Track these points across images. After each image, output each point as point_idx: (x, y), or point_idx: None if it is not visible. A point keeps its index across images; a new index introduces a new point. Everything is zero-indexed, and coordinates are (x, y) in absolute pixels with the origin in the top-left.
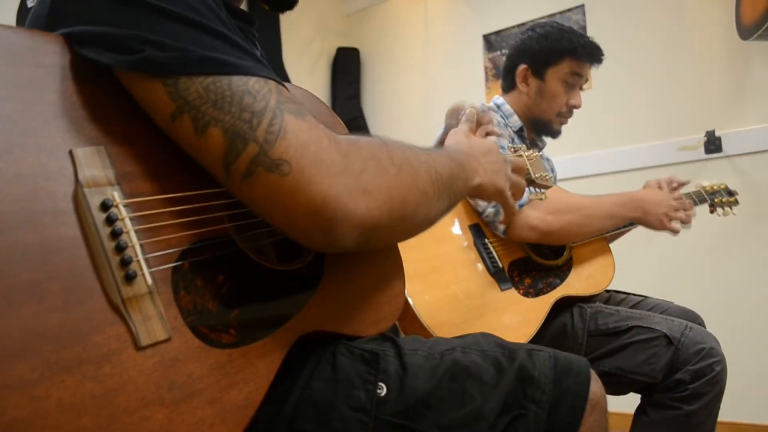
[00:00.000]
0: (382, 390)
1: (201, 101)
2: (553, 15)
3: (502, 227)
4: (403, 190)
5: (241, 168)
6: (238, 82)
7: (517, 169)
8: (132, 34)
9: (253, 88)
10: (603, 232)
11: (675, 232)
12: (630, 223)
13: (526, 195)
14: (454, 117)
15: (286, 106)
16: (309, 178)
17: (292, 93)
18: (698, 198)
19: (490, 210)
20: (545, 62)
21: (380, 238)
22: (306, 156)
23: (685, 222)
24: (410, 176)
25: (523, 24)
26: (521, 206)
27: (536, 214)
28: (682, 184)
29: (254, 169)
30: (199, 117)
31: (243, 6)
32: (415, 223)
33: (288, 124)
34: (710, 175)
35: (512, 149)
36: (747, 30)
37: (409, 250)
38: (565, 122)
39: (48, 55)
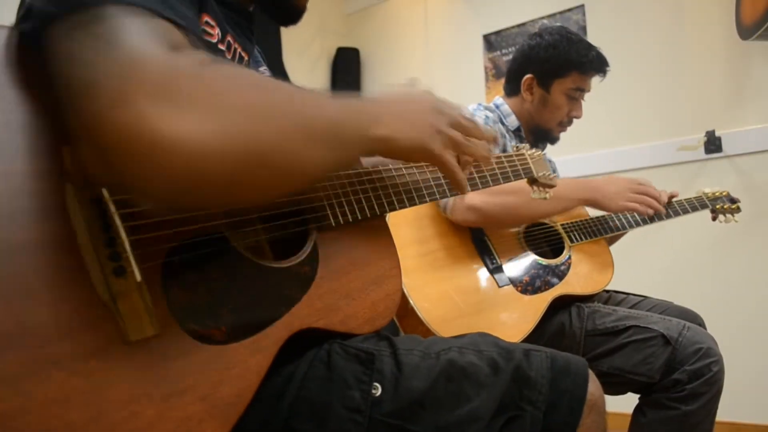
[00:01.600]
0: (377, 390)
1: (67, 37)
2: (553, 15)
3: (448, 208)
4: (250, 126)
5: (86, 107)
6: (111, 19)
7: (460, 126)
8: None
9: (123, 23)
10: (550, 215)
11: (641, 212)
12: (626, 226)
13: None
14: None
15: (151, 33)
16: (140, 116)
17: None
18: (699, 204)
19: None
20: (552, 74)
21: (215, 186)
22: (139, 88)
23: (645, 204)
24: (265, 113)
25: (523, 24)
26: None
27: (478, 195)
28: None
29: (100, 112)
30: (66, 54)
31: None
32: (276, 171)
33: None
34: (710, 175)
35: (515, 148)
36: (747, 30)
37: (408, 245)
38: (565, 130)
39: (36, 55)
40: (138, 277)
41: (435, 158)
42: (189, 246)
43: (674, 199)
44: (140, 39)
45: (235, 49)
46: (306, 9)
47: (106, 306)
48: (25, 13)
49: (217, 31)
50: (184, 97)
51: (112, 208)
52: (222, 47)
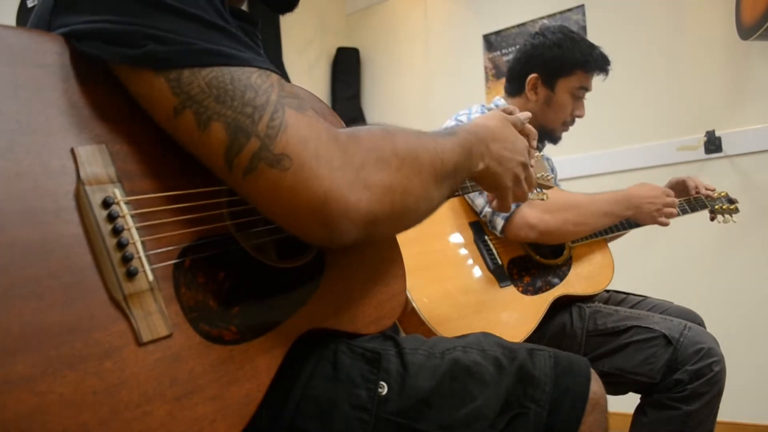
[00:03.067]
0: (383, 389)
1: (203, 95)
2: (553, 15)
3: (499, 227)
4: (405, 182)
5: (243, 163)
6: (241, 75)
7: (529, 180)
8: (133, 28)
9: (255, 82)
10: (599, 230)
11: (664, 225)
12: (627, 226)
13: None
14: None
15: (287, 101)
16: (309, 173)
17: (294, 89)
18: (699, 204)
19: (487, 210)
20: (556, 73)
21: (381, 231)
22: (306, 150)
23: (673, 216)
24: (413, 168)
25: (523, 24)
26: (510, 212)
27: (534, 213)
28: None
29: (256, 164)
30: (202, 111)
31: (244, 7)
32: (417, 215)
33: (289, 118)
34: (710, 175)
35: None
36: (747, 30)
37: (409, 245)
38: (567, 130)
39: (48, 55)
40: (150, 277)
41: (503, 197)
42: (199, 247)
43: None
44: (297, 111)
45: None
46: None
47: (119, 307)
48: (104, 35)
49: None
50: (357, 164)
51: (125, 209)
52: None
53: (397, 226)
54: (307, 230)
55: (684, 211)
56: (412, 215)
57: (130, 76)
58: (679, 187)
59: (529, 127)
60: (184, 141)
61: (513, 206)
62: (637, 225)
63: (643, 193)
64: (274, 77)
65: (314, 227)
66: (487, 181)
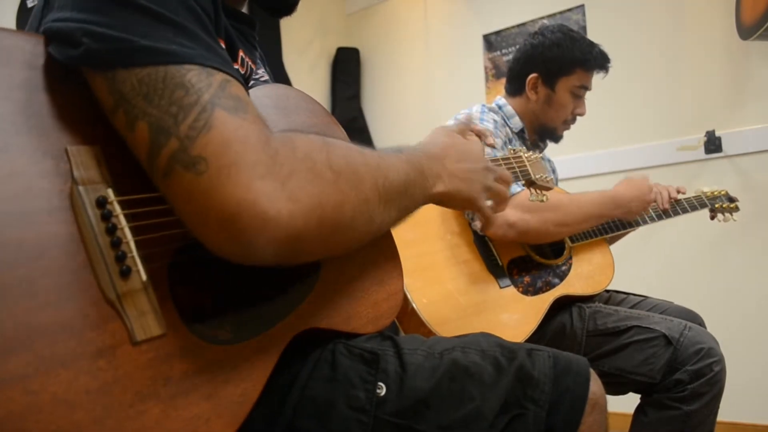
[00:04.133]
0: (382, 390)
1: (134, 94)
2: (553, 15)
3: (479, 225)
4: (339, 197)
5: (161, 165)
6: (176, 73)
7: (502, 178)
8: (75, 26)
9: (190, 80)
10: (583, 231)
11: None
12: (624, 227)
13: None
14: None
15: (221, 102)
16: (225, 179)
17: (276, 93)
18: (699, 203)
19: None
20: (557, 72)
21: (309, 250)
22: (226, 155)
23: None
24: (350, 183)
25: (523, 24)
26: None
27: (514, 212)
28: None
29: (172, 166)
30: (130, 110)
31: (245, 8)
32: (355, 234)
33: (216, 119)
34: (710, 175)
35: (512, 151)
36: (747, 30)
37: (409, 246)
38: (568, 129)
39: (42, 57)
40: (144, 277)
41: (478, 209)
42: (194, 247)
43: (682, 196)
44: (230, 113)
45: (247, 63)
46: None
47: (113, 306)
48: (37, 24)
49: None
50: (285, 173)
51: (118, 208)
52: (238, 67)
53: (328, 245)
54: (217, 243)
55: (684, 211)
56: (347, 234)
57: (85, 75)
58: None
59: (478, 127)
60: (124, 141)
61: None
62: (637, 224)
63: (630, 193)
64: (219, 76)
65: (226, 240)
66: (456, 201)
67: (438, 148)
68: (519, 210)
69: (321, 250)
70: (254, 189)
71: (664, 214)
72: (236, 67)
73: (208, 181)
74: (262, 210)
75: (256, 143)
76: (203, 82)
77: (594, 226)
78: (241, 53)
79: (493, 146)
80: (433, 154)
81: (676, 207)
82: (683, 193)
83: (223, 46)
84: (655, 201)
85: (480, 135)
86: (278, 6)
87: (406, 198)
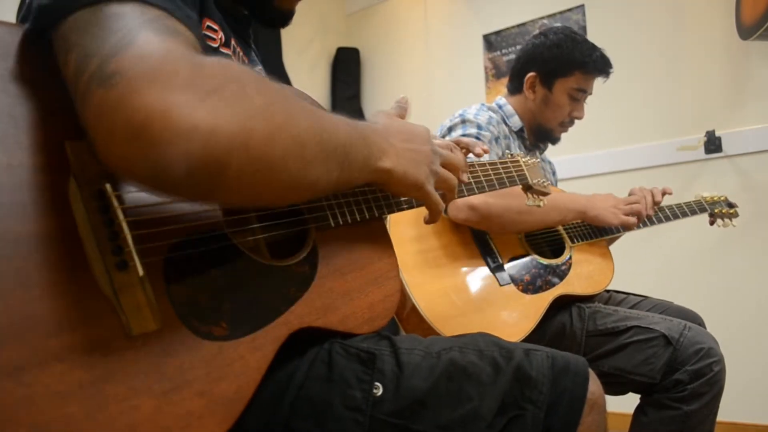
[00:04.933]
0: (378, 390)
1: (71, 32)
2: (553, 15)
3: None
4: (270, 127)
5: (80, 89)
6: (116, 9)
7: (450, 165)
8: None
9: (126, 12)
10: (547, 225)
11: (630, 225)
12: (612, 231)
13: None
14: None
15: (152, 25)
16: (137, 89)
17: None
18: (698, 207)
19: None
20: (555, 73)
21: (234, 184)
22: (141, 65)
23: (638, 215)
24: (283, 117)
25: (523, 24)
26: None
27: (480, 196)
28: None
29: (89, 86)
30: (67, 48)
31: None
32: (286, 179)
33: (141, 38)
34: (710, 175)
35: (509, 155)
36: (747, 30)
37: (409, 242)
38: (566, 131)
39: (41, 51)
40: (140, 271)
41: (425, 196)
42: (191, 242)
43: (674, 203)
44: (159, 34)
45: (239, 53)
46: (294, 11)
47: (109, 300)
48: (27, 12)
49: (220, 35)
50: (208, 87)
51: (115, 202)
52: (227, 51)
53: (257, 184)
54: (125, 162)
55: (684, 215)
56: (278, 175)
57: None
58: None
59: (465, 139)
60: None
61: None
62: (637, 226)
63: (597, 195)
64: (156, 11)
65: (132, 157)
66: (402, 185)
67: (380, 126)
68: (483, 195)
69: (248, 189)
70: (168, 99)
71: (648, 220)
72: (227, 51)
73: (119, 93)
74: (176, 120)
75: (179, 57)
76: (138, 11)
77: (559, 219)
78: (233, 41)
79: (480, 156)
80: (376, 129)
81: (676, 211)
82: (669, 194)
83: (216, 27)
84: (627, 202)
85: (468, 147)
86: (273, 17)
87: (348, 160)
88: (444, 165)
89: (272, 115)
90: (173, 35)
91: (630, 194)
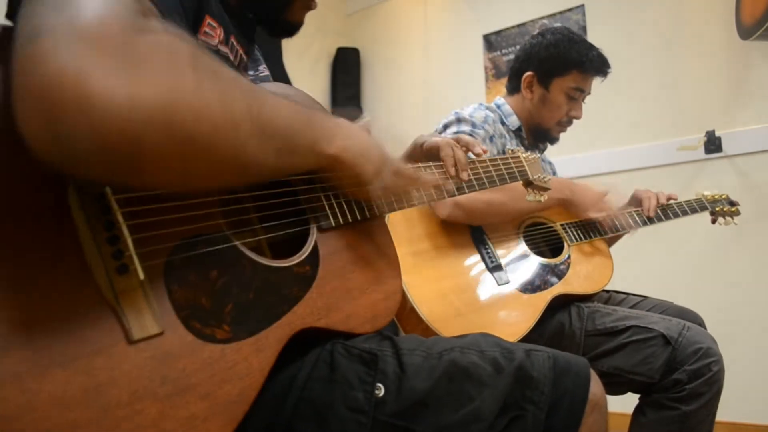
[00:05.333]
0: (380, 391)
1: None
2: (553, 15)
3: (441, 212)
4: (198, 104)
5: (16, 54)
6: None
7: (405, 176)
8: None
9: None
10: (531, 212)
11: (600, 221)
12: (624, 229)
13: None
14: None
15: None
16: (58, 46)
17: (277, 90)
18: (699, 206)
19: None
20: (552, 72)
21: (154, 163)
22: (72, 23)
23: (612, 216)
24: (216, 95)
25: (523, 24)
26: None
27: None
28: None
29: (20, 49)
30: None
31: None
32: (215, 161)
33: (87, 4)
34: (710, 175)
35: (510, 151)
36: (747, 30)
37: (408, 242)
38: (564, 131)
39: None
40: (141, 275)
41: (369, 194)
42: (192, 244)
43: (674, 201)
44: (102, 1)
45: (237, 51)
46: (303, 23)
47: (110, 304)
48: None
49: (219, 32)
50: (137, 56)
51: (115, 205)
52: (225, 48)
53: (181, 164)
54: (30, 129)
55: (684, 213)
56: (206, 156)
57: None
58: (637, 203)
59: (466, 138)
60: None
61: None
62: (637, 225)
63: (579, 183)
64: None
65: (37, 123)
66: (349, 175)
67: (328, 117)
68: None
69: (171, 169)
70: (89, 60)
71: (648, 220)
72: (224, 49)
73: (38, 52)
74: (91, 84)
75: (117, 20)
76: None
77: (544, 207)
78: (232, 38)
79: (480, 155)
80: (326, 115)
81: (676, 209)
82: (675, 200)
83: (215, 24)
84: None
85: (468, 146)
86: (280, 28)
87: (288, 144)
88: (397, 173)
89: (203, 92)
90: (118, 2)
91: (634, 195)
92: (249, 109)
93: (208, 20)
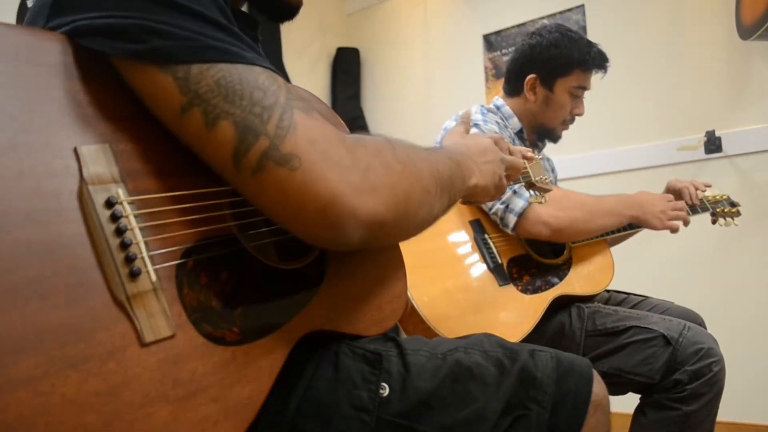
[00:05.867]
0: (385, 390)
1: (212, 94)
2: (553, 15)
3: (512, 224)
4: (407, 187)
5: (251, 162)
6: (249, 75)
7: (511, 169)
8: (138, 23)
9: (263, 83)
10: (606, 230)
11: (674, 229)
12: (631, 227)
13: (525, 196)
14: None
15: (294, 103)
16: (319, 173)
17: (299, 91)
18: (700, 207)
19: (499, 206)
20: (555, 73)
21: (385, 235)
22: (315, 151)
23: (683, 220)
24: (414, 174)
25: (523, 24)
26: (523, 209)
27: (547, 210)
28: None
29: (264, 163)
30: (210, 110)
31: (244, 8)
32: (419, 221)
33: (298, 119)
34: (710, 175)
35: None
36: (747, 30)
37: (409, 243)
38: (567, 129)
39: (51, 54)
40: (153, 278)
41: (491, 198)
42: (202, 247)
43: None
44: (304, 112)
45: None
46: (302, 4)
47: (122, 307)
48: (110, 31)
49: None
50: (363, 166)
51: (128, 209)
52: None
53: (400, 231)
54: (313, 231)
55: (686, 213)
56: (414, 221)
57: (135, 72)
58: (676, 195)
59: (518, 147)
60: (190, 140)
61: (524, 203)
62: (638, 226)
63: (647, 197)
64: (280, 80)
65: (320, 228)
66: (481, 195)
67: (466, 147)
68: (551, 208)
69: (394, 235)
70: (344, 181)
71: (691, 210)
72: None
73: (302, 176)
74: (352, 199)
75: (336, 140)
76: (274, 85)
77: (615, 224)
78: None
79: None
80: (463, 151)
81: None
82: (709, 187)
83: None
84: (676, 209)
85: (525, 156)
86: (279, 11)
87: (453, 188)
88: (506, 169)
89: (408, 176)
90: (312, 112)
91: (668, 189)
92: (432, 175)
93: None
